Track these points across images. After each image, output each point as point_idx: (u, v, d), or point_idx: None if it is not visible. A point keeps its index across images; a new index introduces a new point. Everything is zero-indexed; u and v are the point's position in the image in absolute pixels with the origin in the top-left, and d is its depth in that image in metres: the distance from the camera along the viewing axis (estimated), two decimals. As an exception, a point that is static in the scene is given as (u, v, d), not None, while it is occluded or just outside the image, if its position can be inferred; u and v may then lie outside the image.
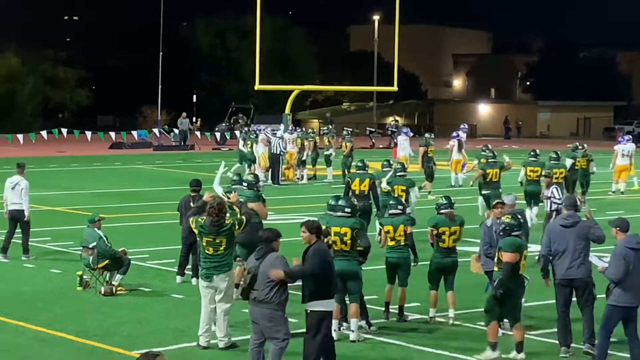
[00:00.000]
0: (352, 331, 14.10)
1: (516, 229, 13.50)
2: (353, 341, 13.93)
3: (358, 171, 21.88)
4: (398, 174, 21.78)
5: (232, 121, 60.90)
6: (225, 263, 13.87)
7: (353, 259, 14.11)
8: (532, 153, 25.69)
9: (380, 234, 15.78)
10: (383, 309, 15.57)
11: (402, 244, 15.34)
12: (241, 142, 38.61)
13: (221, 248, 13.83)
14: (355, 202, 15.59)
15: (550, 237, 13.69)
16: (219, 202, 13.96)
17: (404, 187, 21.49)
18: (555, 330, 13.89)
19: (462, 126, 40.23)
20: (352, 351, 13.77)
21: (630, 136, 36.42)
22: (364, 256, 14.62)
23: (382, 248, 15.71)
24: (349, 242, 14.17)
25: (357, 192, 21.02)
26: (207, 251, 13.87)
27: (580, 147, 30.13)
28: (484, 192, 24.59)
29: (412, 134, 39.45)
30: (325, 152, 38.48)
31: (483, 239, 15.22)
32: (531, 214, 24.12)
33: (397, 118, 60.99)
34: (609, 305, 12.69)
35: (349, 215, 14.48)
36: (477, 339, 14.11)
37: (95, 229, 17.65)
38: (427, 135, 36.27)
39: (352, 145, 37.09)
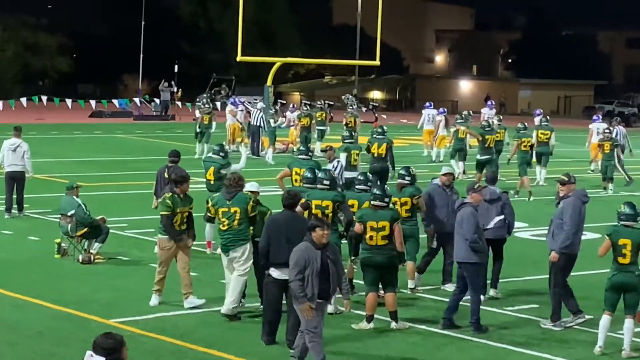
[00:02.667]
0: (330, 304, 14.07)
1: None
2: (331, 313, 13.92)
3: (377, 136, 24.43)
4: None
5: (213, 92, 60.72)
6: (240, 237, 13.89)
7: (334, 232, 14.07)
8: (544, 119, 31.44)
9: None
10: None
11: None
12: (197, 114, 37.05)
13: (235, 220, 13.87)
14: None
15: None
16: (239, 176, 14.45)
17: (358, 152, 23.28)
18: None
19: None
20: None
21: (600, 115, 37.18)
22: (346, 229, 14.51)
23: None
24: (330, 214, 14.20)
25: (375, 155, 24.04)
26: (221, 226, 14.02)
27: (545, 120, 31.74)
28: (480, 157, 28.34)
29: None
30: (320, 127, 37.43)
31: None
32: (540, 174, 29.84)
33: (355, 92, 60.77)
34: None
35: (329, 187, 14.51)
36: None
37: (74, 197, 17.64)
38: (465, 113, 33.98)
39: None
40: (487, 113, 40.53)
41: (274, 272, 12.64)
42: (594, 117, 36.80)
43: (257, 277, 13.98)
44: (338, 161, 20.88)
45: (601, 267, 14.61)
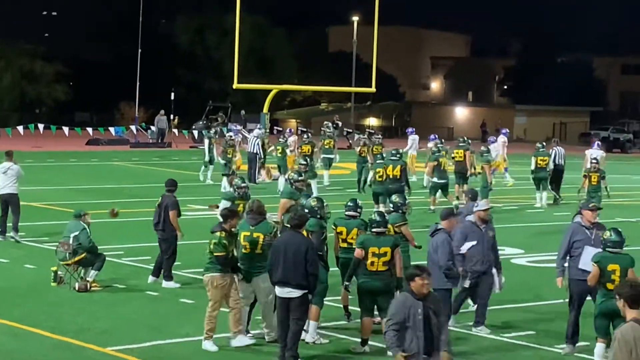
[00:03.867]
0: (307, 333, 14.08)
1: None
2: (307, 342, 13.98)
3: (391, 158, 26.08)
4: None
5: (209, 119, 60.89)
6: (263, 264, 13.85)
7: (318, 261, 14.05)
8: (539, 145, 31.71)
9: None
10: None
11: (354, 246, 14.55)
12: (207, 143, 36.68)
13: (258, 246, 13.96)
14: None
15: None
16: (259, 202, 14.54)
17: None
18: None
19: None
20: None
21: (598, 142, 37.13)
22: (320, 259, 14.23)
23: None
24: None
25: (390, 177, 25.59)
26: (244, 250, 14.09)
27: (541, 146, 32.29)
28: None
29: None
30: (327, 156, 36.64)
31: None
32: (541, 198, 30.69)
33: (337, 118, 60.97)
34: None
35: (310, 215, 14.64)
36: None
37: (80, 222, 17.73)
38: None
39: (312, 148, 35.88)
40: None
41: (277, 290, 13.21)
42: (592, 144, 36.65)
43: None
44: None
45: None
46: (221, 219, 14.31)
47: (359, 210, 15.20)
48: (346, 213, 15.34)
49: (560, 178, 32.38)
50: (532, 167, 30.97)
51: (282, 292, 13.10)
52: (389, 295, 13.77)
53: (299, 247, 13.00)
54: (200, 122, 59.49)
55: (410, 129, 38.52)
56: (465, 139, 32.83)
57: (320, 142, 36.92)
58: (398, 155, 26.52)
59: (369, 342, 13.85)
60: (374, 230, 13.96)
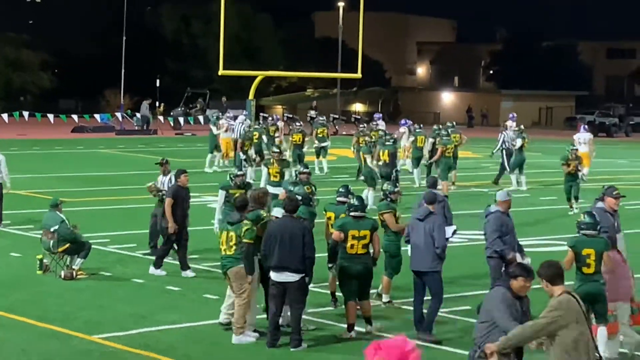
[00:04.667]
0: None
1: None
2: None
3: (387, 143, 27.05)
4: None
5: (189, 106, 60.87)
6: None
7: None
8: (517, 129, 32.17)
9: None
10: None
11: None
12: (215, 129, 36.30)
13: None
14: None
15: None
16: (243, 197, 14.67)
17: None
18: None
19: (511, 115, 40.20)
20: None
21: (585, 126, 37.71)
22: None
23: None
24: None
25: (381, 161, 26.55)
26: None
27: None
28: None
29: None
30: (321, 144, 35.77)
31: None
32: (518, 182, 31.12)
33: (314, 105, 60.84)
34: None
35: (301, 203, 14.63)
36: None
37: (57, 212, 17.60)
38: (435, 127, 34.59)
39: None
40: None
41: (272, 275, 13.28)
42: (579, 127, 37.80)
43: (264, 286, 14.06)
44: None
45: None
46: (237, 210, 14.11)
47: (350, 196, 15.16)
48: (337, 199, 15.49)
49: (507, 162, 32.27)
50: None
51: (279, 277, 13.23)
52: (370, 278, 14.02)
53: (295, 231, 13.23)
54: (179, 109, 59.27)
55: (403, 121, 38.29)
56: (441, 127, 33.47)
57: (314, 130, 36.42)
58: (392, 141, 27.53)
59: (355, 328, 13.85)
60: (352, 214, 14.05)
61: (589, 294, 12.58)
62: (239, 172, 18.76)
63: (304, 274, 13.25)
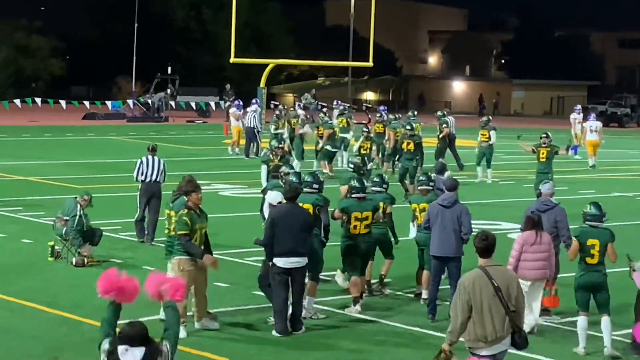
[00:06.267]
0: (305, 308, 14.16)
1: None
2: (304, 317, 14.01)
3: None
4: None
5: (166, 92, 60.77)
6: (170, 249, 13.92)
7: (315, 236, 14.19)
8: (483, 119, 31.12)
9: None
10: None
11: (381, 221, 15.33)
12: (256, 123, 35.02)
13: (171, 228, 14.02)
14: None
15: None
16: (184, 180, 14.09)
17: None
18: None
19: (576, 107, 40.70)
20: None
21: (594, 114, 38.83)
22: (325, 234, 14.49)
23: None
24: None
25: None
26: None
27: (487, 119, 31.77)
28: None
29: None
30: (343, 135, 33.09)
31: None
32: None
33: (314, 92, 60.51)
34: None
35: (316, 190, 14.58)
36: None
37: (79, 205, 17.66)
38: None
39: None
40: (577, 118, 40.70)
41: (279, 262, 13.36)
42: (588, 116, 38.54)
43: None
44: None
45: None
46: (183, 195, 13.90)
47: (384, 185, 15.66)
48: (372, 188, 15.70)
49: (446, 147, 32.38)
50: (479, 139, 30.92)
51: (288, 262, 13.35)
52: (370, 256, 14.92)
53: (302, 217, 13.51)
54: (149, 95, 59.19)
55: (335, 102, 38.54)
56: (416, 113, 34.28)
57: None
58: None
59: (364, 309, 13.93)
60: (354, 195, 14.68)
61: (591, 284, 12.86)
62: (279, 145, 18.82)
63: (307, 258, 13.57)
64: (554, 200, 14.86)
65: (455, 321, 9.48)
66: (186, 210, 13.28)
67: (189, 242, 13.14)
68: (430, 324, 13.97)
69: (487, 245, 9.57)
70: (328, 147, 30.17)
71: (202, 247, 13.36)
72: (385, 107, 37.04)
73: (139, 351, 6.82)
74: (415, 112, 34.85)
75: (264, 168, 18.55)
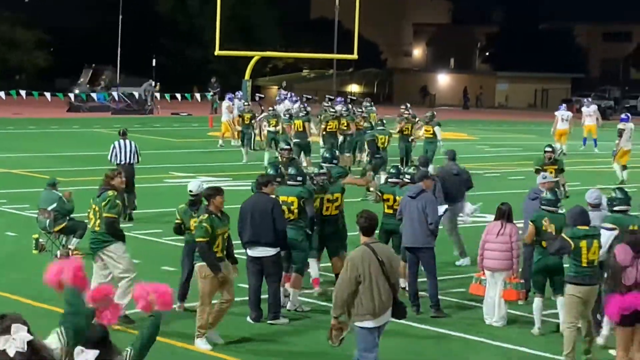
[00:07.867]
0: (289, 301, 14.26)
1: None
2: (288, 310, 14.10)
3: (378, 128, 27.68)
4: None
5: (98, 83, 60.54)
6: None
7: (300, 229, 14.23)
8: (427, 114, 29.85)
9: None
10: None
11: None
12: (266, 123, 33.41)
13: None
14: None
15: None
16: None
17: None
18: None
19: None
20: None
21: (565, 104, 39.87)
22: (310, 226, 14.52)
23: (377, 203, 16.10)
24: (295, 210, 14.30)
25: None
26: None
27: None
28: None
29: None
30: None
31: None
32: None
33: (284, 84, 60.07)
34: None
35: (300, 183, 14.61)
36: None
37: (54, 191, 17.68)
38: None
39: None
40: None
41: (248, 251, 13.58)
42: (559, 105, 39.67)
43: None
44: None
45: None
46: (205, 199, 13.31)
47: (400, 177, 15.75)
48: (389, 180, 15.90)
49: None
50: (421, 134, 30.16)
51: (254, 252, 13.50)
52: (341, 239, 15.09)
53: (265, 206, 13.46)
54: (83, 86, 59.00)
55: (229, 95, 38.51)
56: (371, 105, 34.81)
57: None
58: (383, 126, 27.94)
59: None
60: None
61: (547, 267, 13.29)
62: (286, 146, 18.83)
63: (278, 249, 13.52)
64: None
65: (342, 296, 10.03)
66: (206, 216, 12.60)
67: (207, 251, 12.48)
68: (416, 316, 14.02)
69: (371, 224, 10.32)
70: (298, 140, 29.78)
71: (224, 252, 12.77)
72: (342, 99, 37.70)
73: (92, 354, 6.78)
74: (372, 102, 35.97)
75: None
